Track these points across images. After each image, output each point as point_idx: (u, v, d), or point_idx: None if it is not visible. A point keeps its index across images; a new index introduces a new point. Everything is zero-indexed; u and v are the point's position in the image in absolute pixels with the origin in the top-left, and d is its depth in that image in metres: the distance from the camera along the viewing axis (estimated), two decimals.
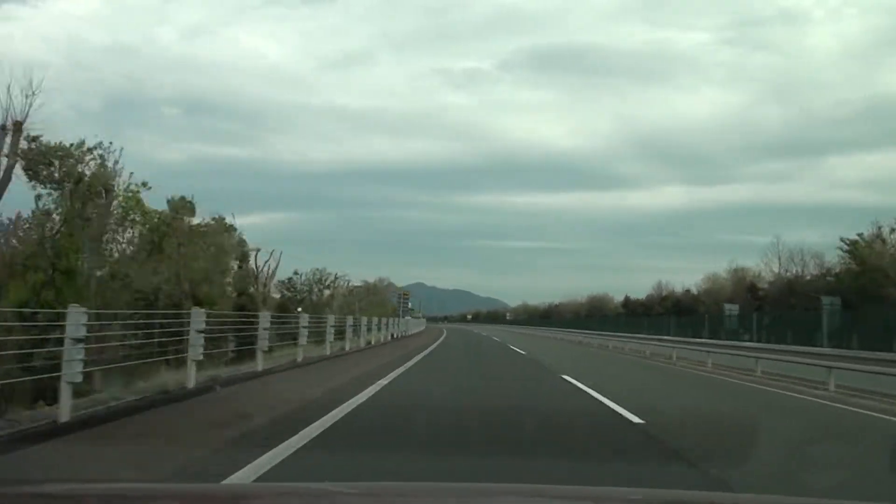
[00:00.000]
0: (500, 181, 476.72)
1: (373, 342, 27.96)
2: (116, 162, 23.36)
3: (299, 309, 31.22)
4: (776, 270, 49.65)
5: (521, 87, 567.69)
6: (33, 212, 21.56)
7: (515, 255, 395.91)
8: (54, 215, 21.57)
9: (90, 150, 22.47)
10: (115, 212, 23.81)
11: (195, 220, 30.95)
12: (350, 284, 57.64)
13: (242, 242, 38.98)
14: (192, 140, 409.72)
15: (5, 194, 19.60)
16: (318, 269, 51.40)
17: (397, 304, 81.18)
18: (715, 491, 4.91)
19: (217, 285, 30.91)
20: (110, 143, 23.50)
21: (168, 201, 29.51)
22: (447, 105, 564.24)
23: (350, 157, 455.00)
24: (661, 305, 62.11)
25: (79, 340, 7.20)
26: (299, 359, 16.47)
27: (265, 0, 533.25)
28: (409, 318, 58.60)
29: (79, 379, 7.24)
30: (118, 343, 14.27)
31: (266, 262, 42.02)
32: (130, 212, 24.88)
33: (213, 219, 33.85)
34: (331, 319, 21.08)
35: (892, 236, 38.82)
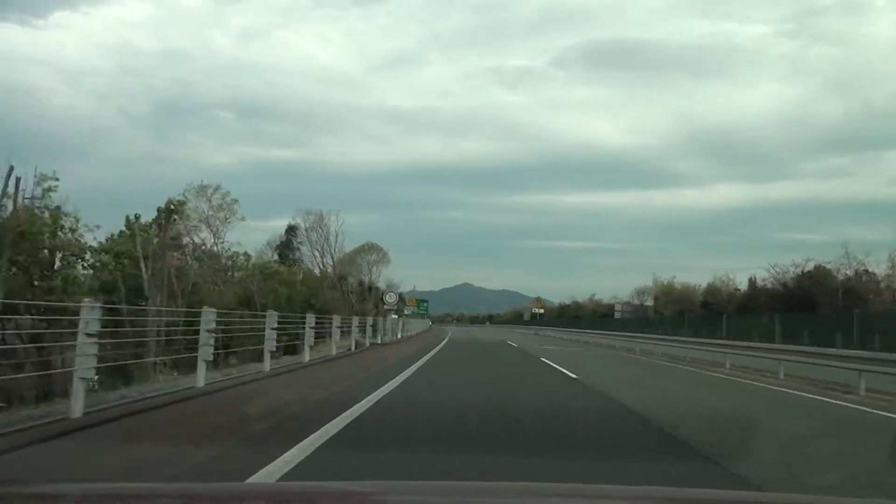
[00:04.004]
0: (551, 181, 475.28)
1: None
2: None
3: None
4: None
5: (574, 84, 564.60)
6: None
7: (565, 255, 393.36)
8: None
9: None
10: None
11: None
12: None
13: None
14: (242, 143, 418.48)
15: None
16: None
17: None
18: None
19: None
20: None
21: None
22: (498, 104, 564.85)
23: (400, 157, 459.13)
24: None
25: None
26: None
27: (316, 2, 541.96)
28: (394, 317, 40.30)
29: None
30: None
31: None
32: None
33: None
34: None
35: None
